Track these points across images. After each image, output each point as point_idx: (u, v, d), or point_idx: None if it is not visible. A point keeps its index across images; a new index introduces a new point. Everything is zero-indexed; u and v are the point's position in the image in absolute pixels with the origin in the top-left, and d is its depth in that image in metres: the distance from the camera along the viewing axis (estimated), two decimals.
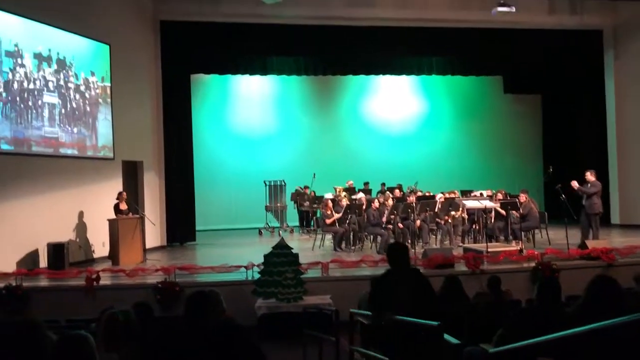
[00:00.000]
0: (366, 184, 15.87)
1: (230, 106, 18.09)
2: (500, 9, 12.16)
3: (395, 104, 18.81)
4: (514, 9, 12.25)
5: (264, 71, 16.34)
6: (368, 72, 17.28)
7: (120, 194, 11.22)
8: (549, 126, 18.72)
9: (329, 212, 12.12)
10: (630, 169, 15.11)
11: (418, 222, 11.82)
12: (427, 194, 13.78)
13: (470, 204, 11.87)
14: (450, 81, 18.22)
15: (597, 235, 10.87)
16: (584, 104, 16.41)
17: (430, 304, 4.73)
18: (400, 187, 14.66)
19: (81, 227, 11.25)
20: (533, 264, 9.08)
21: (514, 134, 19.01)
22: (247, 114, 18.01)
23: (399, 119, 18.83)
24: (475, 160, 18.52)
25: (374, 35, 14.49)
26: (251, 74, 16.60)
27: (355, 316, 5.99)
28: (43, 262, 10.09)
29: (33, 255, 10.09)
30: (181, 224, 13.99)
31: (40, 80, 10.45)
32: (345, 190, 14.44)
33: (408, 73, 17.54)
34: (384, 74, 17.57)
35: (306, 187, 15.73)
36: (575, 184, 10.79)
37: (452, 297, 5.94)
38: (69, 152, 11.11)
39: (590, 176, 10.89)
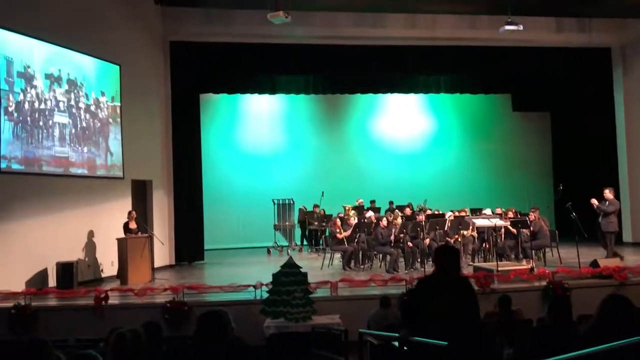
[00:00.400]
0: (372, 202, 15.84)
1: (239, 125, 18.17)
2: (507, 27, 12.20)
3: (403, 122, 18.83)
4: (521, 27, 12.28)
5: (272, 90, 16.46)
6: (376, 91, 17.36)
7: (130, 213, 11.26)
8: (559, 143, 18.67)
9: (337, 230, 12.11)
10: None
11: (427, 241, 11.75)
12: (436, 212, 13.72)
13: (480, 222, 11.80)
14: (458, 99, 18.25)
15: (611, 254, 10.77)
16: (593, 121, 16.35)
17: (472, 319, 4.17)
18: (410, 206, 14.62)
19: (90, 246, 11.27)
20: (544, 283, 8.99)
21: (523, 151, 18.95)
22: (256, 132, 18.08)
23: (407, 137, 18.84)
24: (484, 178, 18.45)
25: (382, 54, 14.58)
26: (260, 93, 16.73)
27: (365, 336, 5.94)
28: (52, 282, 10.10)
29: (42, 275, 10.11)
30: (190, 243, 13.99)
31: (51, 101, 10.55)
32: (354, 208, 14.42)
33: (416, 91, 17.62)
34: (392, 92, 17.65)
35: (316, 206, 15.73)
36: (594, 201, 10.77)
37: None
38: (79, 171, 11.17)
39: (608, 194, 10.85)
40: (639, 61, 15.16)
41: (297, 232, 16.46)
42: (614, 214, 10.79)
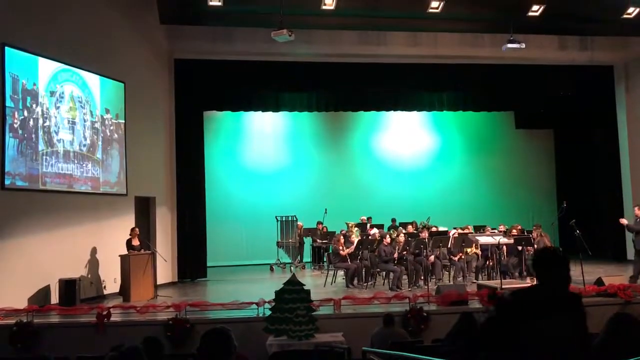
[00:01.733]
0: (369, 219, 15.75)
1: (242, 142, 18.22)
2: (510, 45, 12.28)
3: (406, 139, 18.87)
4: (523, 45, 12.37)
5: (276, 108, 16.50)
6: (379, 109, 17.39)
7: (133, 229, 11.25)
8: (562, 161, 18.67)
9: (340, 248, 12.09)
10: None
11: (431, 258, 11.71)
12: (440, 229, 13.67)
13: (483, 239, 11.78)
14: (461, 116, 18.29)
15: (637, 272, 10.74)
16: (596, 138, 16.38)
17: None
18: (414, 224, 14.60)
19: (93, 263, 11.25)
20: None
21: (527, 169, 18.96)
22: (259, 149, 18.13)
23: (410, 154, 18.86)
24: (488, 195, 18.43)
25: (385, 72, 14.66)
26: (263, 110, 16.78)
27: (368, 354, 5.89)
28: (54, 298, 10.07)
29: (45, 292, 10.08)
30: (192, 260, 13.97)
31: (55, 118, 10.61)
32: (357, 225, 14.40)
33: (419, 109, 17.64)
34: (395, 110, 17.67)
35: (319, 223, 15.71)
36: (624, 221, 10.84)
37: (467, 335, 5.84)
38: (83, 188, 11.19)
39: (638, 211, 10.90)
40: None
41: (307, 249, 16.43)
42: None
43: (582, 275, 10.03)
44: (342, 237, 12.50)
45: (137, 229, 11.33)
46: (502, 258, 11.87)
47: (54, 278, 10.09)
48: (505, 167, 18.90)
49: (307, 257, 16.39)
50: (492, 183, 18.74)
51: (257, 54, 13.86)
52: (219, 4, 12.17)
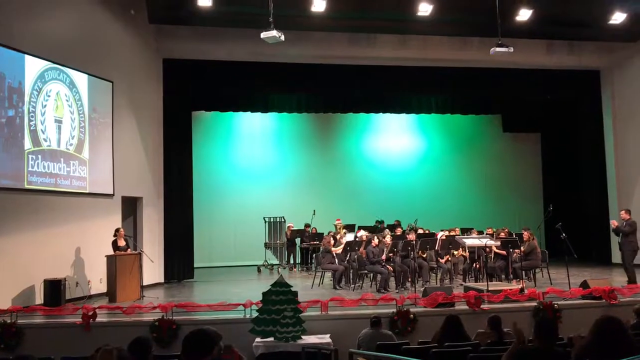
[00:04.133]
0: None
1: (230, 143, 18.16)
2: (498, 49, 12.34)
3: (395, 142, 18.92)
4: (511, 49, 12.44)
5: (265, 109, 16.51)
6: (368, 111, 17.46)
7: (117, 230, 11.15)
8: (549, 164, 18.81)
9: (331, 247, 12.12)
10: (631, 208, 15.06)
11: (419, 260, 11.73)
12: (427, 232, 13.71)
13: (470, 242, 11.81)
14: (449, 119, 18.39)
15: (633, 274, 10.89)
16: (583, 142, 16.52)
17: None
18: (399, 223, 14.63)
19: (79, 263, 11.16)
20: (534, 304, 8.98)
21: (514, 172, 19.09)
22: (248, 150, 18.09)
23: (398, 156, 18.91)
24: (474, 198, 18.52)
25: (374, 74, 14.69)
26: (252, 111, 16.77)
27: (355, 356, 5.90)
28: (39, 299, 9.98)
29: (29, 292, 9.98)
30: (179, 260, 13.90)
31: (42, 116, 10.52)
32: (345, 227, 14.43)
33: (408, 112, 17.73)
34: (383, 112, 17.75)
35: (307, 225, 15.71)
36: (614, 222, 11.20)
37: (452, 336, 5.88)
38: (69, 188, 11.10)
39: (625, 215, 11.19)
40: (626, 83, 15.36)
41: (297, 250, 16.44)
42: (633, 233, 10.99)
43: (568, 277, 10.10)
44: (331, 238, 12.52)
45: (122, 230, 11.23)
46: (489, 260, 11.92)
47: (38, 278, 10.00)
48: (492, 170, 19.01)
49: (297, 258, 16.39)
50: (479, 186, 18.84)
51: (246, 55, 13.83)
52: (208, 4, 12.12)
